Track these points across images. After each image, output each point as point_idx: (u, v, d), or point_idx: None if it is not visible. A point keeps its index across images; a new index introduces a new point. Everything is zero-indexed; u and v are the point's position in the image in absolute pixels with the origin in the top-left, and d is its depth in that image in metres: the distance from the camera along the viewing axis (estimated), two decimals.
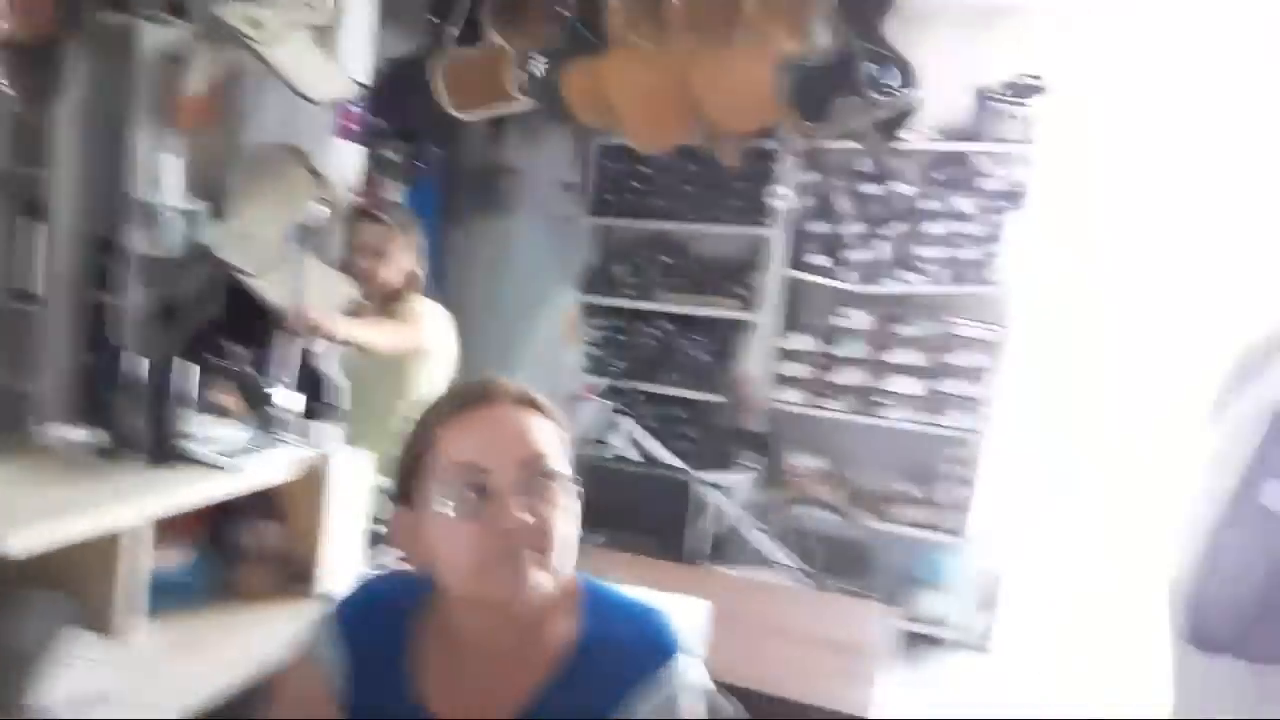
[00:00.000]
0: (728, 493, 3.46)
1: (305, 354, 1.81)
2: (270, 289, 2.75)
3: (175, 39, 2.71)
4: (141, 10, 2.74)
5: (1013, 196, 3.15)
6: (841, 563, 3.40)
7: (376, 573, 1.02)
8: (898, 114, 2.65)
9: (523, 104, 3.13)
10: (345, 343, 2.12)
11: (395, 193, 3.49)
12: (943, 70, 3.04)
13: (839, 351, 3.49)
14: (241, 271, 2.72)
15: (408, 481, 0.90)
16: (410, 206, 3.74)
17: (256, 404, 1.66)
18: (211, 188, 2.91)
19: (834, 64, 2.49)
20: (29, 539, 1.06)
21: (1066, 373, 3.28)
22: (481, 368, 3.40)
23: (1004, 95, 3.09)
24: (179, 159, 2.82)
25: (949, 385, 3.32)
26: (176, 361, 1.43)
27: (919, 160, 3.31)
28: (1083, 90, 3.08)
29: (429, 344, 2.27)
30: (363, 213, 2.44)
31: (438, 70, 3.12)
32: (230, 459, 1.45)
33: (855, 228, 3.38)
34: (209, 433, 1.53)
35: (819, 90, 2.49)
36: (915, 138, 3.17)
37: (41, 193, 2.86)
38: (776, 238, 3.51)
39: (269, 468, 1.50)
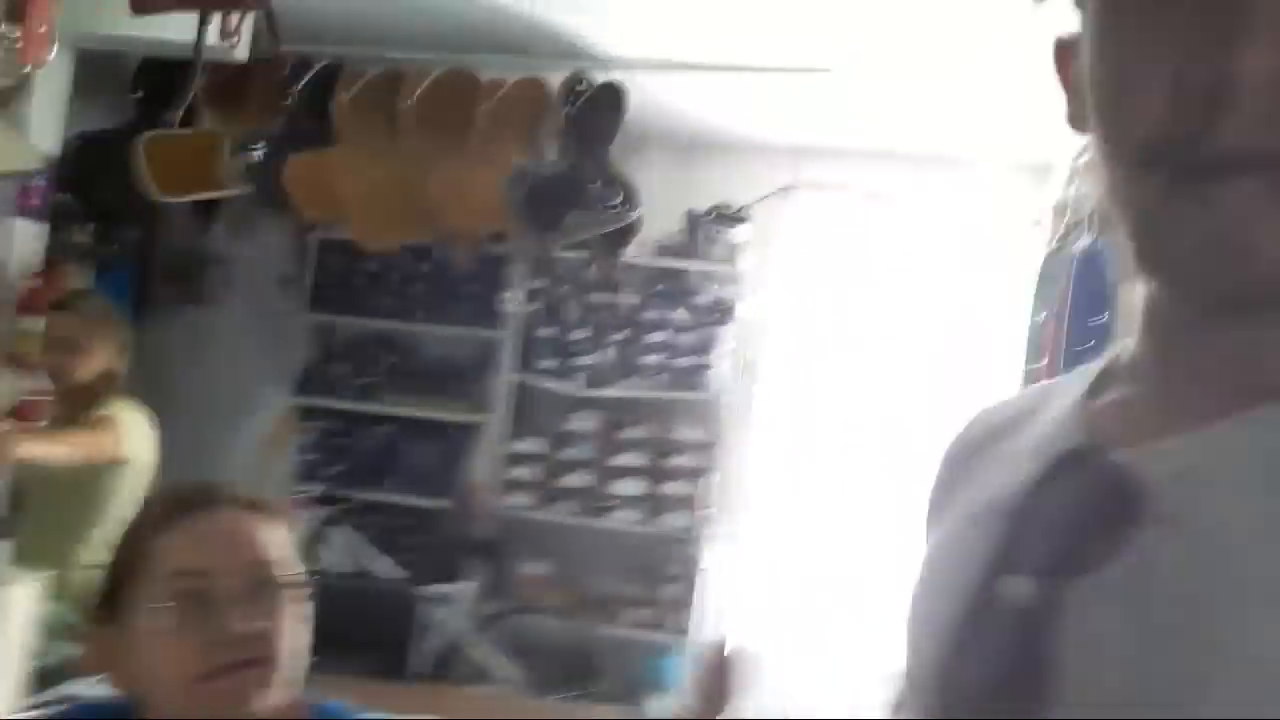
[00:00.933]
0: (451, 604, 3.32)
1: None
2: None
3: None
4: None
5: (724, 311, 3.45)
6: (568, 670, 3.36)
7: (67, 705, 0.88)
8: (621, 229, 2.82)
9: (236, 192, 2.96)
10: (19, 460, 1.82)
11: (81, 278, 3.11)
12: (661, 193, 3.30)
13: (567, 455, 3.54)
14: None
15: (113, 596, 0.82)
16: (99, 292, 3.35)
17: None
18: None
19: (562, 178, 2.61)
20: None
21: (784, 474, 3.54)
22: (179, 476, 3.08)
23: (712, 220, 3.41)
24: None
25: (669, 487, 3.47)
26: None
27: (642, 274, 3.53)
28: (777, 220, 3.49)
29: (125, 453, 2.01)
30: (55, 303, 2.14)
31: (140, 150, 2.87)
32: None
33: (582, 333, 3.50)
34: None
35: (548, 202, 2.59)
36: (637, 252, 3.39)
37: None
38: (506, 341, 3.54)
39: None
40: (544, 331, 3.55)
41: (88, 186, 2.97)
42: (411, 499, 3.63)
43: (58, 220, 2.83)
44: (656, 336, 3.46)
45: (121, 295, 3.49)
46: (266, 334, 3.77)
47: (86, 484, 1.96)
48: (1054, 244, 2.74)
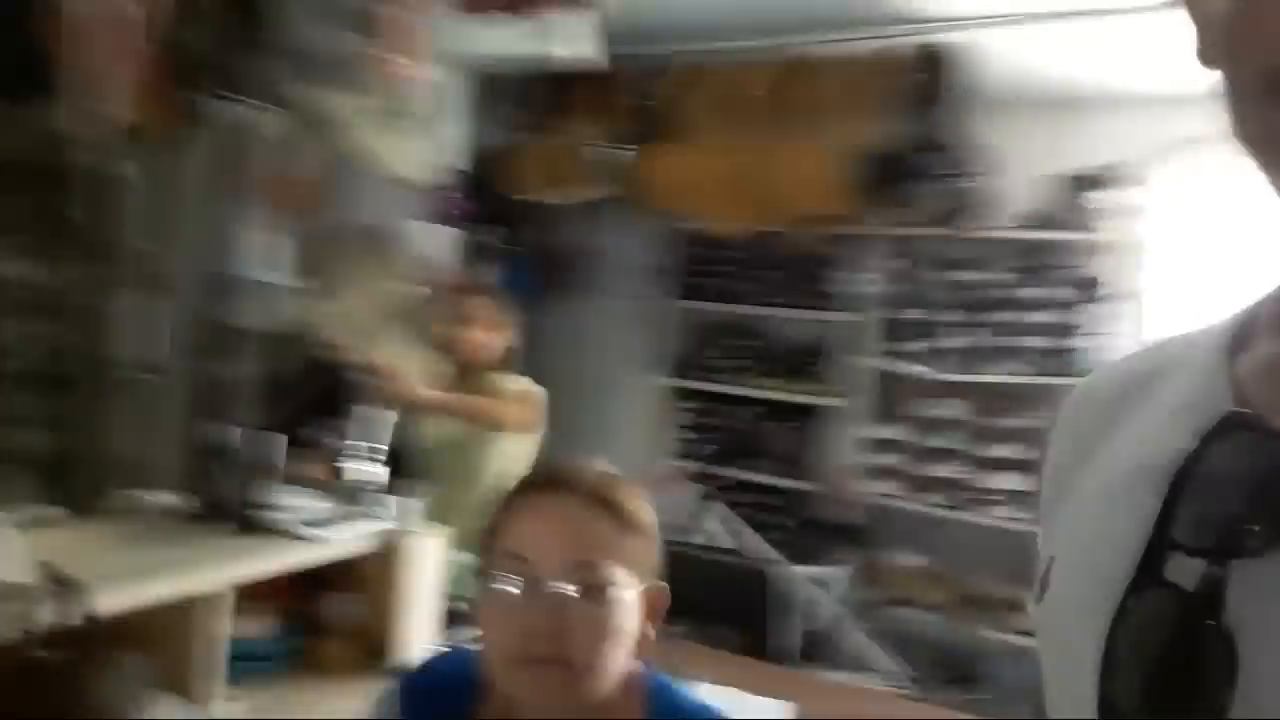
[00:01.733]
0: (823, 587, 3.32)
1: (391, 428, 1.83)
2: (362, 363, 2.85)
3: (282, 127, 2.90)
4: (249, 100, 2.95)
5: (1107, 286, 3.03)
6: (947, 670, 3.19)
7: (445, 649, 0.99)
8: (976, 200, 2.60)
9: (599, 190, 3.21)
10: (441, 411, 2.14)
11: (489, 274, 3.58)
12: (1028, 159, 2.98)
13: (934, 443, 3.36)
14: (334, 347, 2.83)
15: (484, 556, 0.87)
16: (507, 286, 3.84)
17: (341, 477, 1.68)
18: (315, 267, 3.06)
19: (905, 152, 2.47)
20: (114, 600, 1.08)
21: None
22: (567, 448, 3.42)
23: (1089, 184, 3.00)
24: (286, 239, 2.98)
25: None
26: (266, 433, 1.47)
27: (1012, 247, 3.22)
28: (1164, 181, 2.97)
29: (510, 420, 2.28)
30: (461, 288, 2.50)
31: (517, 158, 3.24)
32: (311, 530, 1.47)
33: (949, 315, 3.28)
34: (294, 503, 1.55)
35: (891, 177, 2.47)
36: (1006, 225, 3.10)
37: (165, 269, 3.06)
38: (864, 324, 3.44)
39: (347, 540, 1.51)
40: (907, 313, 3.39)
41: (487, 193, 3.42)
42: (778, 479, 3.68)
43: (469, 224, 3.28)
44: (1034, 316, 3.14)
45: (523, 289, 3.96)
46: (640, 321, 4.05)
47: (476, 448, 2.23)
48: None
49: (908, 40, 2.66)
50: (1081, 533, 0.48)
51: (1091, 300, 3.08)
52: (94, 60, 1.48)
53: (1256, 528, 0.38)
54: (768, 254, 3.66)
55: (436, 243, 3.07)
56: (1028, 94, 3.07)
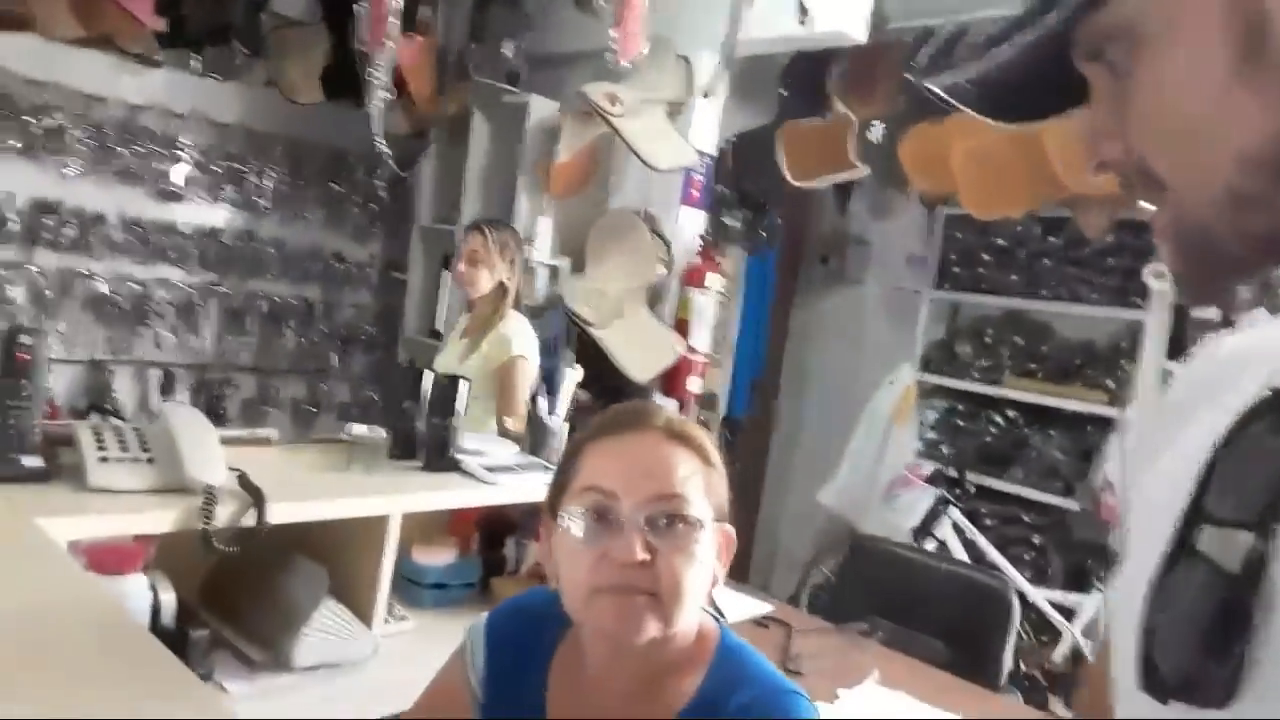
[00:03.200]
0: (1067, 615, 2.99)
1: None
2: (608, 340, 2.99)
3: (551, 114, 3.11)
4: (519, 92, 3.18)
5: None
6: None
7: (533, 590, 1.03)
8: None
9: (859, 171, 3.08)
10: None
11: (734, 259, 3.60)
12: None
13: None
14: (585, 322, 2.99)
15: (556, 496, 0.89)
16: (750, 273, 3.83)
17: (534, 430, 1.78)
18: (573, 246, 3.26)
19: None
20: (291, 511, 1.23)
21: None
22: (819, 433, 3.38)
23: None
24: (550, 219, 3.20)
25: None
26: (458, 381, 1.59)
27: None
28: None
29: (514, 351, 2.28)
30: (472, 226, 2.54)
31: (781, 139, 3.20)
32: (493, 474, 1.58)
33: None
34: (484, 448, 1.67)
35: None
36: None
37: (450, 246, 3.42)
38: (1154, 322, 3.01)
39: (525, 487, 1.60)
40: (1202, 312, 2.92)
41: (739, 178, 3.42)
42: (1034, 493, 3.36)
43: (716, 209, 3.31)
44: None
45: (767, 275, 3.93)
46: (899, 311, 3.87)
47: (491, 376, 2.24)
48: None
49: None
50: (1149, 504, 0.49)
51: None
52: (398, 63, 1.69)
53: None
54: (1041, 241, 3.33)
55: (685, 226, 3.14)
56: None
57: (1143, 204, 0.47)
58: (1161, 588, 0.43)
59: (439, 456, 1.57)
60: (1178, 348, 3.00)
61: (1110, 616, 0.51)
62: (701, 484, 0.85)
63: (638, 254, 3.15)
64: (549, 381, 1.99)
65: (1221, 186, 0.42)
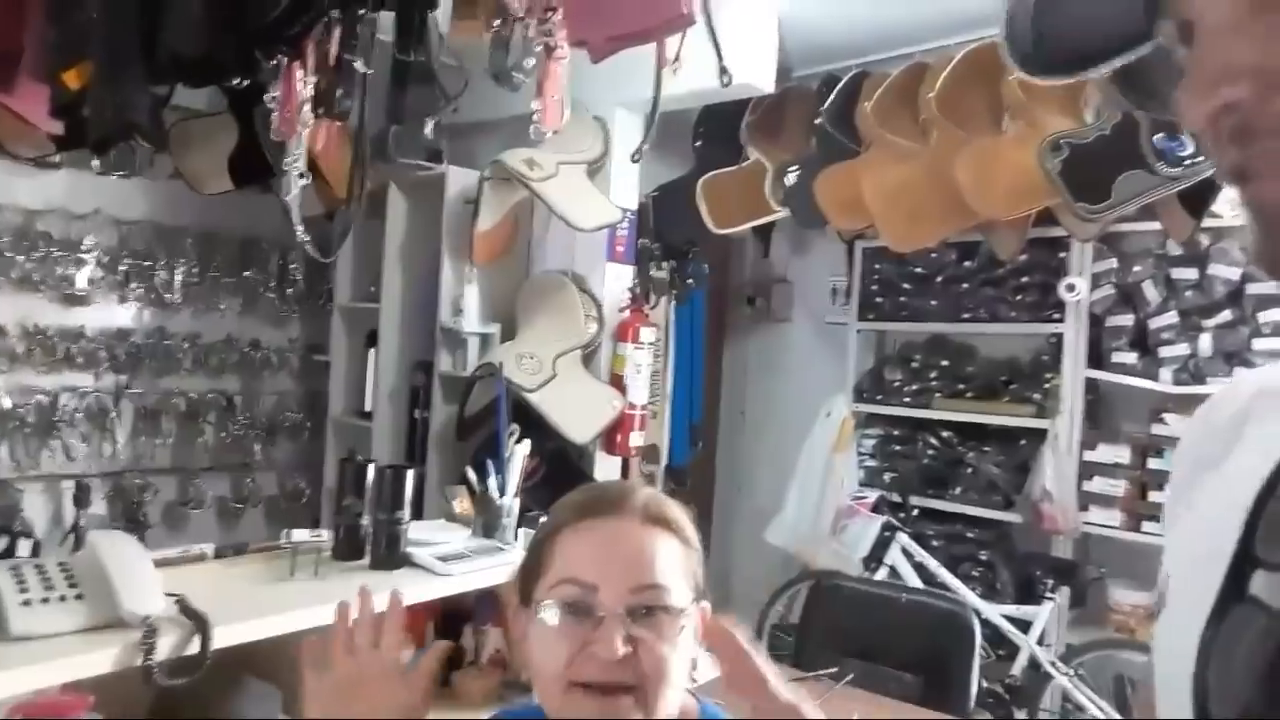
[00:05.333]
0: (1022, 629, 3.03)
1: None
2: (545, 403, 2.95)
3: (470, 183, 3.09)
4: (435, 167, 3.15)
5: None
6: None
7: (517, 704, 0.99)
8: (1197, 188, 2.29)
9: (778, 214, 3.14)
10: None
11: (663, 309, 3.61)
12: None
13: (1159, 464, 2.99)
14: (521, 388, 2.95)
15: (528, 584, 0.86)
16: (679, 321, 3.86)
17: (485, 512, 1.73)
18: (503, 312, 3.23)
19: (1111, 138, 2.22)
20: (236, 632, 1.16)
21: None
22: (762, 472, 3.38)
23: None
24: (475, 287, 3.17)
25: None
26: (405, 471, 1.54)
27: (1241, 238, 2.81)
28: None
29: None
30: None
31: (701, 190, 3.24)
32: (446, 564, 1.52)
33: (1167, 319, 2.92)
34: (433, 536, 1.61)
35: (1095, 168, 2.22)
36: (1232, 212, 2.72)
37: (375, 324, 3.35)
38: (1071, 334, 3.13)
39: (481, 574, 1.55)
40: (1116, 320, 3.05)
41: (661, 230, 3.45)
42: (976, 509, 3.42)
43: (642, 262, 3.32)
44: (1270, 315, 2.72)
45: (696, 321, 3.96)
46: (827, 345, 3.93)
47: None
48: None
49: None
50: (1191, 549, 0.48)
51: None
52: (311, 145, 1.65)
53: None
54: (956, 266, 3.44)
55: (613, 282, 3.15)
56: None
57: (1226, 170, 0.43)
58: (1213, 636, 0.42)
59: (389, 553, 1.51)
60: (1095, 357, 3.12)
61: (1156, 666, 0.49)
62: (681, 568, 0.83)
63: (567, 314, 3.14)
64: (495, 457, 1.94)
65: None
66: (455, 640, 1.68)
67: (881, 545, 3.27)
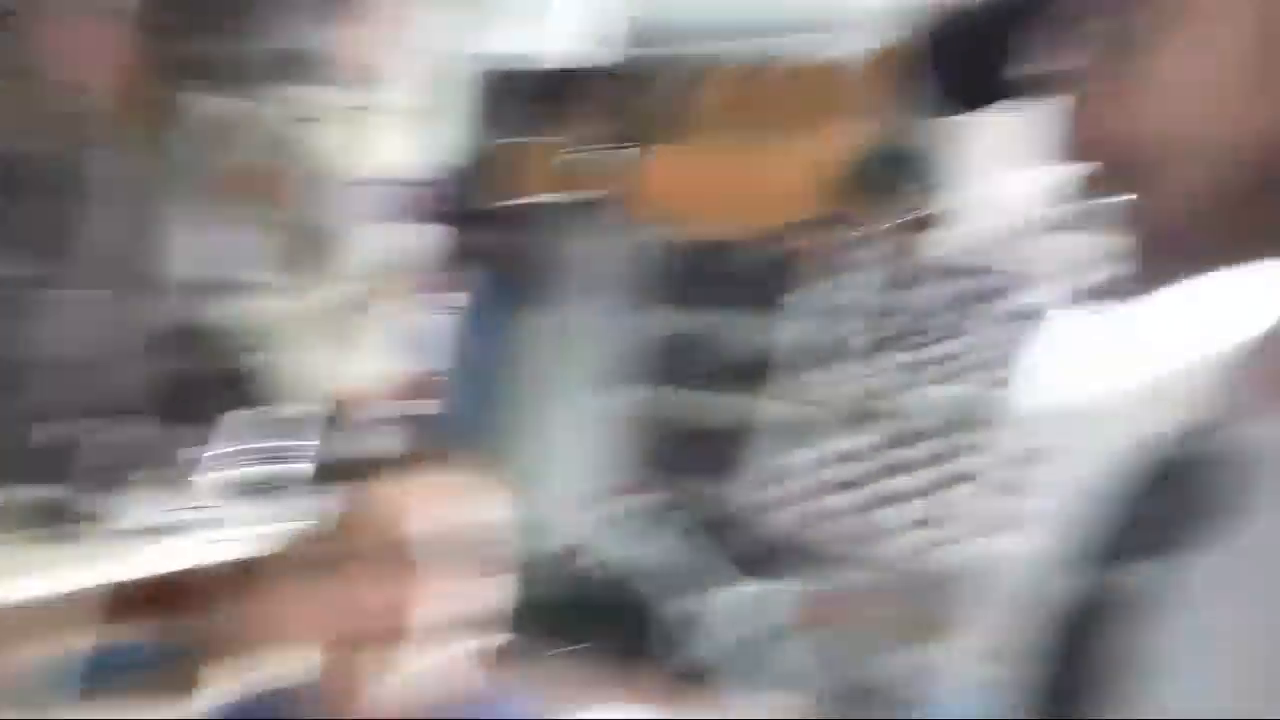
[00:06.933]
0: (760, 605, 3.29)
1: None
2: (306, 363, 2.86)
3: (230, 114, 2.84)
4: (225, 94, 2.92)
5: (1031, 315, 2.96)
6: (861, 692, 3.15)
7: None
8: (937, 209, 2.54)
9: (592, 192, 3.17)
10: None
11: (456, 277, 3.57)
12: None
13: (848, 469, 3.30)
14: (282, 348, 2.82)
15: (301, 549, 0.92)
16: (473, 291, 3.83)
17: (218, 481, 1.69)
18: (274, 264, 3.05)
19: (880, 156, 2.41)
20: None
21: None
22: (540, 456, 3.40)
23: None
24: (247, 234, 2.98)
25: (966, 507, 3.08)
26: (128, 428, 1.48)
27: (942, 269, 3.12)
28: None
29: None
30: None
31: (499, 159, 3.22)
32: (165, 537, 1.48)
33: (866, 337, 3.20)
34: (159, 507, 1.56)
35: (865, 181, 2.42)
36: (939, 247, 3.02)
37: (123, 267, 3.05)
38: (790, 343, 3.36)
39: (208, 548, 1.52)
40: (823, 336, 3.31)
41: (459, 196, 3.41)
42: (729, 495, 3.64)
43: (434, 227, 3.26)
44: (954, 341, 3.05)
45: (497, 292, 3.95)
46: (606, 331, 4.02)
47: None
48: None
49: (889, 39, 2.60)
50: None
51: (1015, 323, 2.97)
52: (75, 45, 1.48)
53: (1195, 528, 0.38)
54: (736, 259, 3.62)
55: (407, 242, 3.06)
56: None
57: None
58: (1061, 625, 0.42)
59: (90, 519, 1.44)
60: (806, 367, 3.37)
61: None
62: (456, 530, 0.86)
63: (349, 273, 3.05)
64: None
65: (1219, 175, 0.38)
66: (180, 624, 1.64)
67: (647, 526, 3.43)
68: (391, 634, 0.80)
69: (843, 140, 2.54)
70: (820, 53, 2.70)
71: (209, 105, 2.87)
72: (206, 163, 2.91)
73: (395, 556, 0.81)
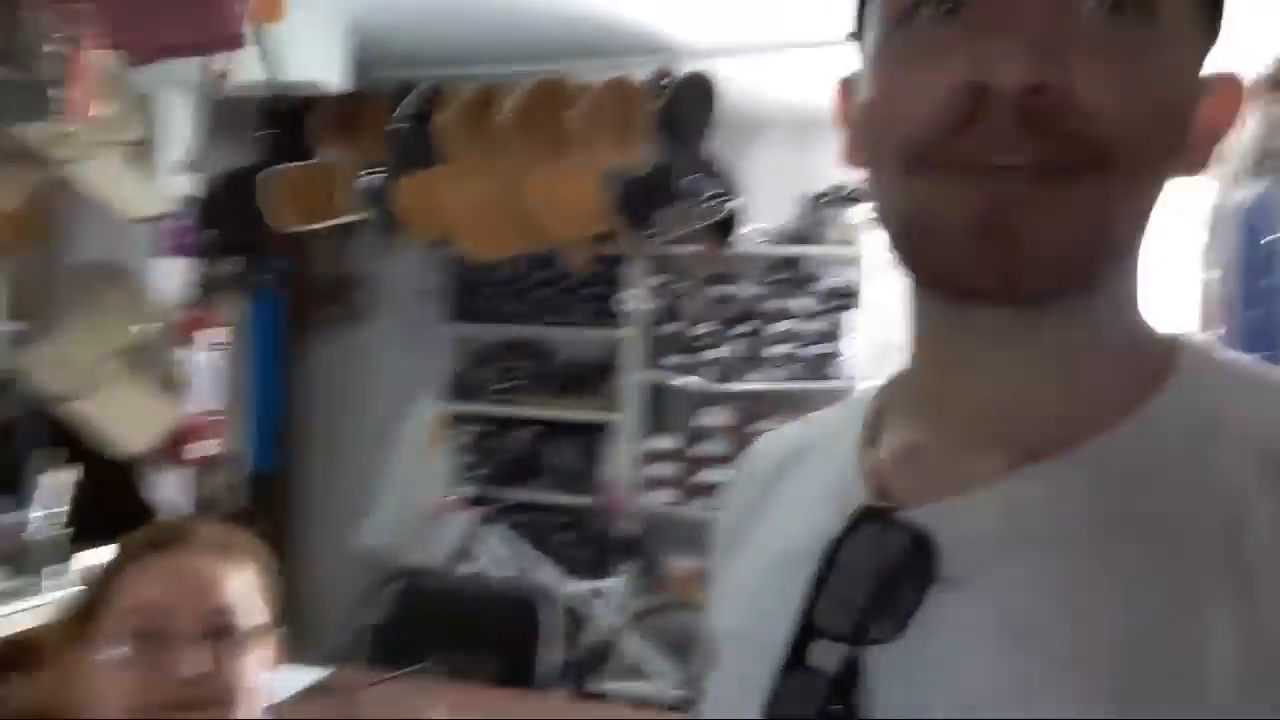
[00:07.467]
0: (600, 600, 3.36)
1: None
2: (86, 412, 2.62)
3: None
4: None
5: (847, 296, 3.25)
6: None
7: None
8: (726, 220, 2.71)
9: (355, 217, 3.10)
10: None
11: (234, 308, 3.39)
12: (773, 177, 3.14)
13: (703, 450, 3.49)
14: (55, 396, 2.58)
15: (83, 624, 0.84)
16: (255, 320, 3.64)
17: (12, 548, 1.53)
18: (29, 309, 2.79)
19: (654, 176, 2.54)
20: None
21: None
22: (349, 482, 3.30)
23: (829, 202, 3.22)
24: None
25: None
26: None
27: (761, 262, 3.39)
28: None
29: None
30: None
31: (267, 185, 3.07)
32: None
33: (706, 328, 3.41)
34: None
35: (642, 200, 2.54)
36: (755, 241, 3.26)
37: None
38: (632, 339, 3.52)
39: (11, 618, 1.37)
40: (668, 328, 3.50)
41: (228, 222, 3.22)
42: (558, 498, 3.70)
43: (208, 255, 3.08)
44: (781, 326, 3.32)
45: (273, 321, 3.78)
46: (414, 346, 3.96)
47: None
48: (1222, 194, 2.38)
49: (659, 67, 2.75)
50: (742, 611, 0.50)
51: (838, 309, 3.28)
52: None
53: (883, 618, 0.41)
54: (533, 274, 3.67)
55: (169, 278, 2.89)
56: (773, 118, 3.25)
57: None
58: (775, 700, 0.43)
59: None
60: (651, 358, 3.54)
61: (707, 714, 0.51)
62: (251, 592, 0.88)
63: (112, 312, 2.82)
64: (18, 483, 1.72)
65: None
66: None
67: (473, 539, 3.41)
68: (213, 702, 0.81)
69: (609, 162, 2.65)
70: (580, 76, 2.82)
71: None
72: None
73: (211, 625, 0.83)
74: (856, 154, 0.48)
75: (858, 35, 0.47)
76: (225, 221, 3.19)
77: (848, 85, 0.50)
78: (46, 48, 1.39)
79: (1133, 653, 0.36)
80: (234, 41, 1.32)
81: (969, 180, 0.39)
